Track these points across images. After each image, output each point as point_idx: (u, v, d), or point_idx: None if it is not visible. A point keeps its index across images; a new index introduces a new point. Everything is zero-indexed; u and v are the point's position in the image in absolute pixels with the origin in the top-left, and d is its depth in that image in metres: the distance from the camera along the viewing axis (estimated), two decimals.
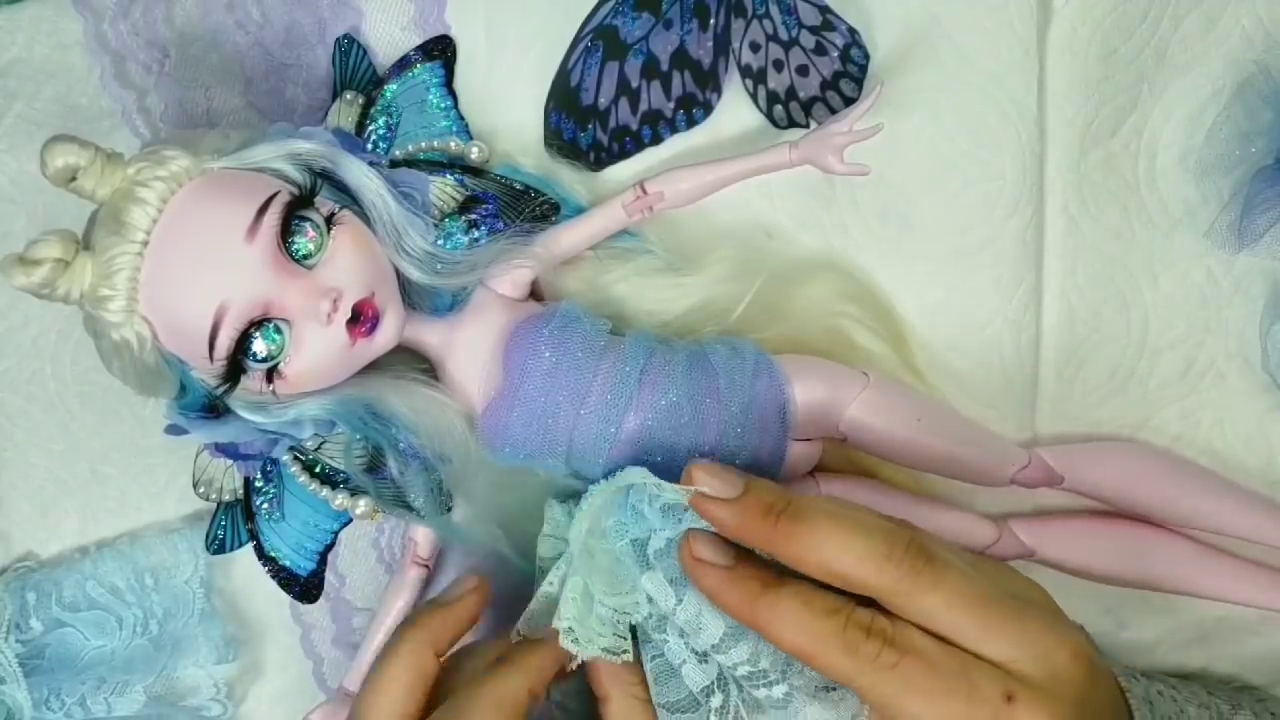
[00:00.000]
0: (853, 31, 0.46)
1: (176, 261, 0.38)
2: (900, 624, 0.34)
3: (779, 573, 0.36)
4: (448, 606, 0.42)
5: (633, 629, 0.39)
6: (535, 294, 0.46)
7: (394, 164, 0.45)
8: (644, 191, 0.44)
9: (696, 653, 0.38)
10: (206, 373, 0.39)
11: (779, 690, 0.37)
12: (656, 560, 0.38)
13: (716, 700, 0.38)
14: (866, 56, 0.46)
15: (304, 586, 0.47)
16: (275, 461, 0.45)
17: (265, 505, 0.45)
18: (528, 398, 0.42)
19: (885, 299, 0.48)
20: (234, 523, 0.46)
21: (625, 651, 0.39)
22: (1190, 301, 0.48)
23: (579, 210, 0.46)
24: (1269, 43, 0.47)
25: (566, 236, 0.45)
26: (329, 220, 0.40)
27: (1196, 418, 0.48)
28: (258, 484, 0.45)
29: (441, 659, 0.41)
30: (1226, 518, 0.46)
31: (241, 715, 0.52)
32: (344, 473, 0.45)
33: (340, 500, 0.44)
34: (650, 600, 0.38)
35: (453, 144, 0.46)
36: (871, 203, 0.48)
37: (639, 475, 0.38)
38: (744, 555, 0.37)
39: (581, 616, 0.39)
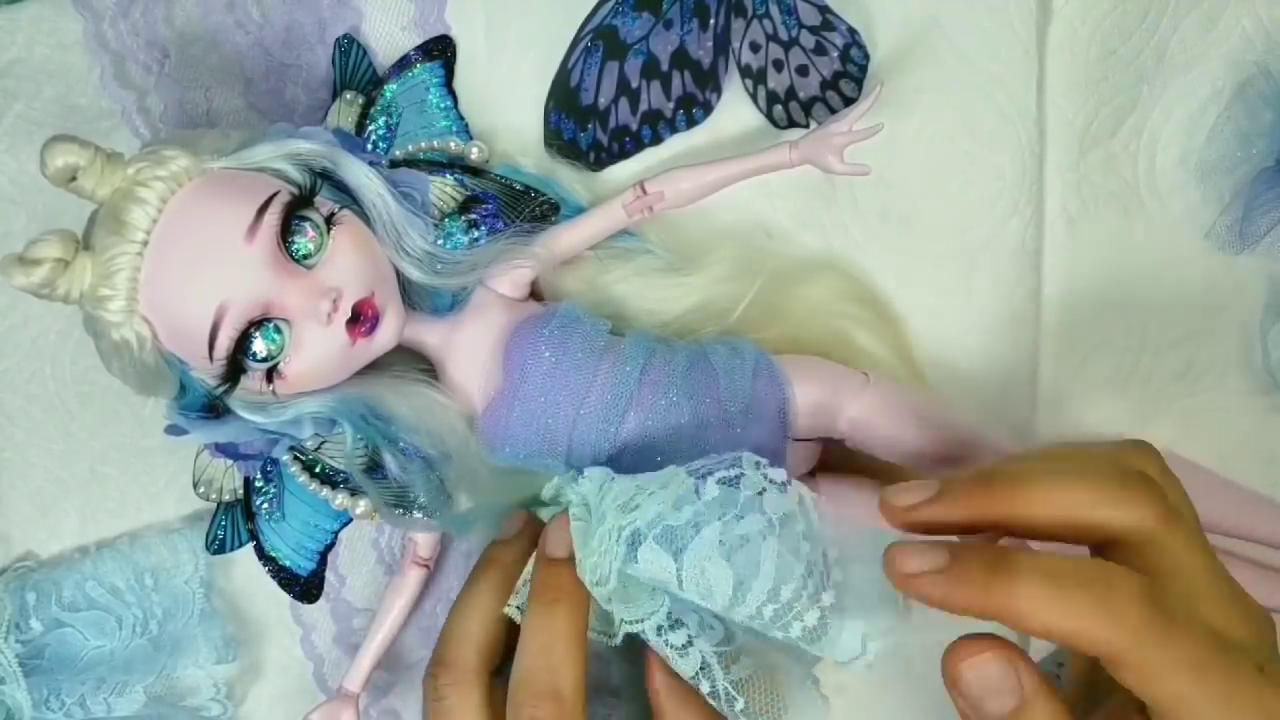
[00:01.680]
0: (853, 31, 0.46)
1: (176, 261, 0.38)
2: (1160, 584, 0.30)
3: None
4: (511, 543, 0.41)
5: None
6: (535, 294, 0.46)
7: (394, 164, 0.45)
8: (644, 191, 0.44)
9: (675, 647, 0.38)
10: (206, 373, 0.39)
11: (811, 618, 0.35)
12: (647, 530, 0.36)
13: (705, 687, 0.37)
14: (866, 56, 0.46)
15: (304, 586, 0.47)
16: (275, 461, 0.45)
17: (265, 505, 0.45)
18: (528, 398, 0.42)
19: (885, 299, 0.48)
20: (234, 523, 0.46)
21: (613, 637, 0.39)
22: (1190, 301, 0.48)
23: (579, 210, 0.46)
24: (1269, 43, 0.47)
25: (566, 236, 0.45)
26: (329, 220, 0.40)
27: (1196, 418, 0.48)
28: (258, 484, 0.45)
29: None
30: (1227, 518, 0.46)
31: (241, 715, 0.52)
32: (344, 473, 0.45)
33: (340, 500, 0.44)
34: (653, 591, 0.38)
35: (453, 144, 0.46)
36: (871, 203, 0.48)
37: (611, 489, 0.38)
38: (954, 545, 0.32)
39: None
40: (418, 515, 0.44)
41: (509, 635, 0.40)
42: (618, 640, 0.39)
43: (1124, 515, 0.31)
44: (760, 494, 0.36)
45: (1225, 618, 0.31)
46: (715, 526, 0.35)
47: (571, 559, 0.38)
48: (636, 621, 0.38)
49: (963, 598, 0.31)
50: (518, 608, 0.40)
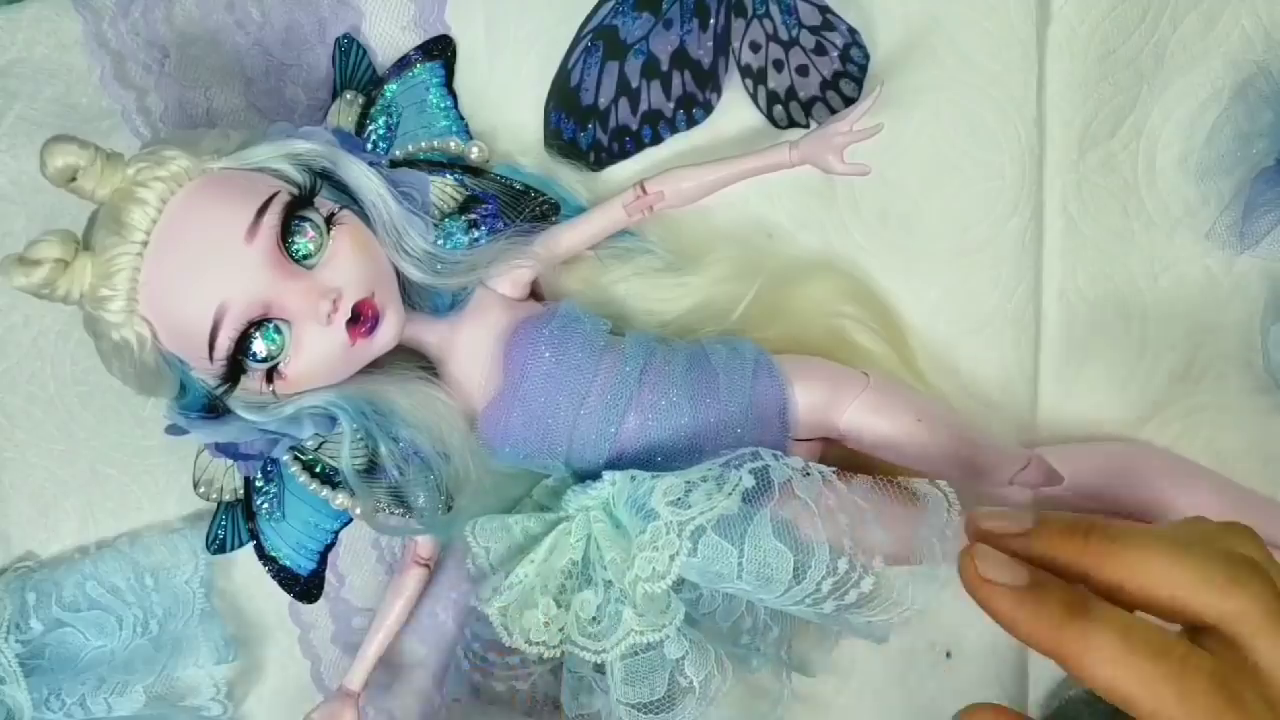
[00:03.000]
0: (853, 31, 0.46)
1: (176, 262, 0.38)
2: (1243, 674, 0.29)
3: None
4: None
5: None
6: (535, 294, 0.46)
7: (394, 164, 0.45)
8: (644, 191, 0.44)
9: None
10: (206, 373, 0.39)
11: (867, 583, 0.37)
12: (707, 523, 0.37)
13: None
14: (866, 56, 0.46)
15: (304, 586, 0.47)
16: (275, 461, 0.45)
17: (266, 505, 0.45)
18: (527, 398, 0.42)
19: (885, 299, 0.48)
20: (234, 522, 0.46)
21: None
22: (1190, 301, 0.48)
23: (579, 210, 0.46)
24: (1269, 43, 0.47)
25: (566, 236, 0.45)
26: (329, 220, 0.40)
27: (1196, 418, 0.48)
28: (258, 484, 0.45)
29: None
30: (1226, 518, 0.46)
31: (241, 715, 0.52)
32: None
33: (341, 500, 0.44)
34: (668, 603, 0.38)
35: (453, 144, 0.46)
36: (871, 203, 0.48)
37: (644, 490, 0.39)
38: (1038, 573, 0.31)
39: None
40: (412, 518, 0.44)
41: None
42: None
43: (1226, 605, 0.30)
44: (789, 481, 0.38)
45: None
46: (764, 512, 0.37)
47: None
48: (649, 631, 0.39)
49: (1031, 626, 0.30)
50: (500, 609, 0.40)
